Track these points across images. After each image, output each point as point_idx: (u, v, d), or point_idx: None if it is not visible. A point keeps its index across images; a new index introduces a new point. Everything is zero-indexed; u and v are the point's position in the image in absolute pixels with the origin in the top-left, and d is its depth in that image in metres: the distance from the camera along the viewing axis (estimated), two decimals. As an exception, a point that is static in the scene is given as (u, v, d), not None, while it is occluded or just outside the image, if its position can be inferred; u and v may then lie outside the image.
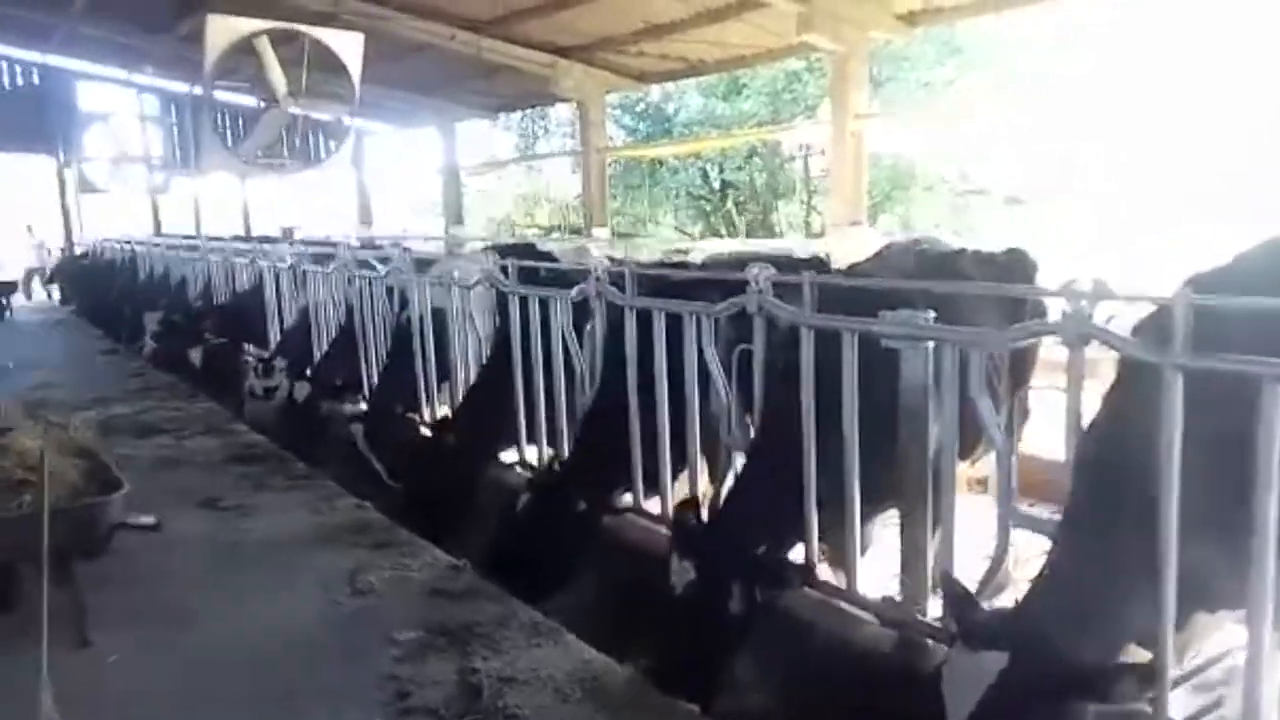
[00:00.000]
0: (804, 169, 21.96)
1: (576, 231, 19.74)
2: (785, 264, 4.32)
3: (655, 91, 21.27)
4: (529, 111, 23.57)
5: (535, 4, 12.67)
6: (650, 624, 3.42)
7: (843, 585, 3.45)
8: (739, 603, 3.16)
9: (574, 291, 4.61)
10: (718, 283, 4.13)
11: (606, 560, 4.10)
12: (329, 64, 12.96)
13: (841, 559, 3.48)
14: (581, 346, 4.73)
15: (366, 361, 6.76)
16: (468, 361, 5.74)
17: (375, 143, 23.06)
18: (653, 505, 4.31)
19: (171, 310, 10.47)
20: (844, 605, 3.38)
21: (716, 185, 23.28)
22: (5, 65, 21.56)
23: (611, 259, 6.56)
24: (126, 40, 18.01)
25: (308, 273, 7.74)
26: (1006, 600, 2.81)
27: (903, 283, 3.68)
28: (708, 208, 23.70)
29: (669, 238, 22.17)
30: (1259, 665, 2.27)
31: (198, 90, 16.18)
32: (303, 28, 12.55)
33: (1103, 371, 2.78)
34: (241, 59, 13.10)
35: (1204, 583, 2.39)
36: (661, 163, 22.72)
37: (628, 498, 4.38)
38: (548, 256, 6.53)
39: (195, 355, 8.89)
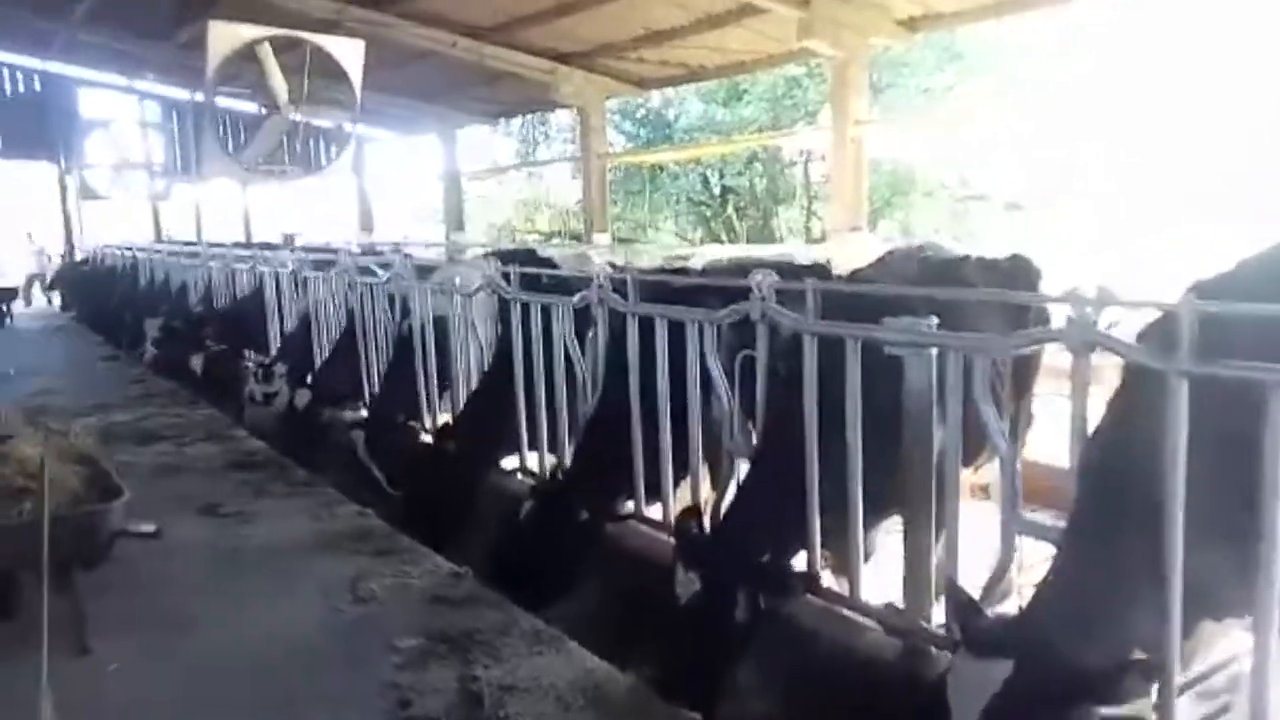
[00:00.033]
0: (804, 175, 22.01)
1: (577, 237, 19.78)
2: (787, 270, 4.31)
3: (656, 97, 21.34)
4: (530, 117, 23.64)
5: (536, 11, 12.71)
6: (653, 632, 3.41)
7: (846, 592, 3.44)
8: (743, 612, 3.15)
9: (576, 298, 4.60)
10: (719, 289, 4.12)
11: (608, 568, 4.09)
12: (330, 71, 12.99)
13: (845, 566, 3.47)
14: (583, 353, 4.72)
15: (367, 368, 6.75)
16: (469, 368, 5.74)
17: (376, 149, 23.10)
18: (654, 511, 4.30)
19: (172, 317, 10.46)
20: (847, 612, 3.37)
21: (717, 191, 23.31)
22: (7, 72, 21.60)
23: (612, 265, 6.56)
24: (128, 47, 18.05)
25: (309, 279, 7.73)
26: (1011, 607, 2.80)
27: (906, 289, 3.67)
28: (708, 213, 23.73)
29: (669, 243, 22.20)
30: (1265, 673, 2.26)
31: (199, 97, 16.23)
32: (304, 35, 12.57)
33: (1105, 377, 2.77)
34: (243, 66, 13.11)
35: (1210, 590, 2.38)
36: (662, 168, 22.76)
37: (630, 505, 4.36)
38: (548, 263, 6.53)
39: (196, 362, 8.87)
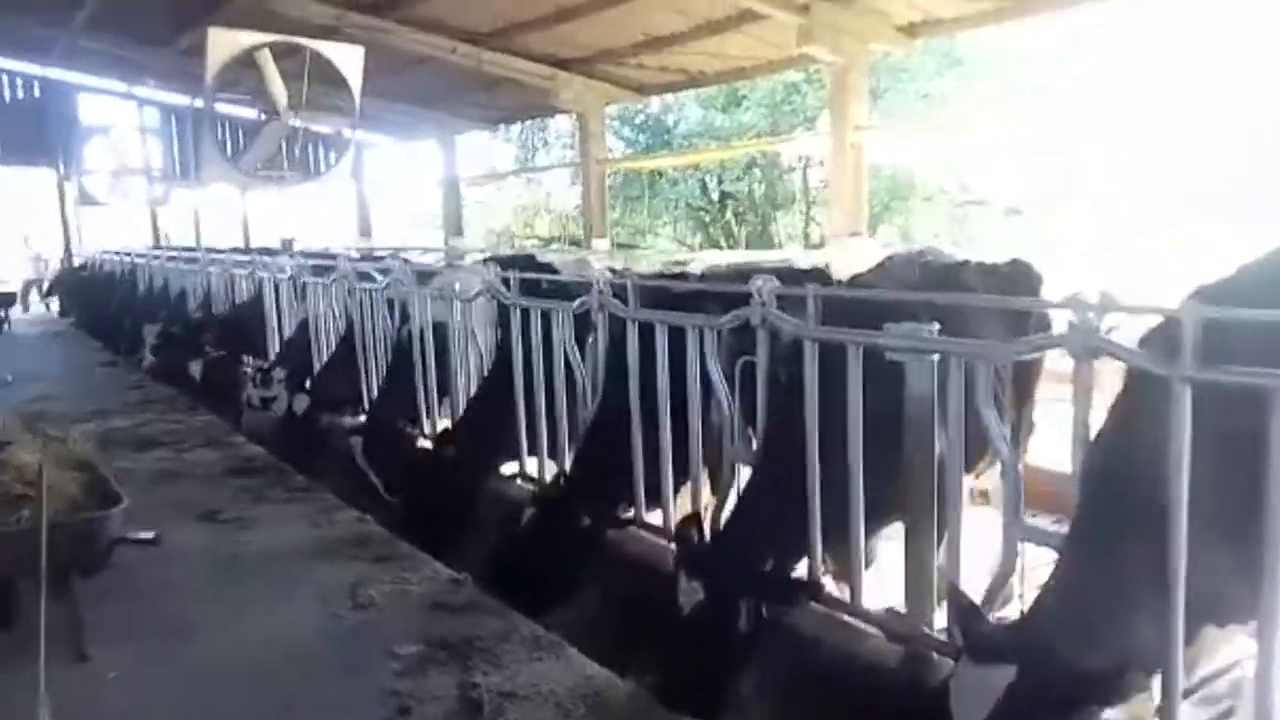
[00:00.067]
0: (803, 180, 22.02)
1: (576, 243, 19.79)
2: (787, 275, 4.31)
3: (655, 103, 21.37)
4: (529, 123, 23.64)
5: (536, 17, 12.71)
6: (653, 639, 3.40)
7: (847, 598, 3.43)
8: (746, 621, 3.14)
9: (576, 304, 4.60)
10: (719, 294, 4.12)
11: (608, 574, 4.08)
12: (330, 77, 12.99)
13: (846, 572, 3.46)
14: (583, 359, 4.71)
15: (366, 373, 6.74)
16: (468, 374, 5.73)
17: (375, 155, 23.11)
18: (654, 517, 4.29)
19: (171, 322, 10.45)
20: (848, 619, 3.36)
21: (716, 196, 23.34)
22: (6, 78, 21.58)
23: (612, 270, 6.56)
24: (127, 53, 18.05)
25: (307, 284, 7.73)
26: (1013, 613, 2.79)
27: (907, 294, 3.67)
28: (707, 219, 23.75)
29: (668, 249, 22.21)
30: (1270, 679, 2.25)
31: (198, 103, 16.21)
32: (304, 41, 12.58)
33: (1105, 382, 2.76)
34: (242, 72, 13.13)
35: (1214, 595, 2.37)
36: (661, 174, 22.78)
37: (630, 510, 4.35)
38: (548, 268, 6.52)
39: (195, 368, 8.86)
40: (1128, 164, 16.26)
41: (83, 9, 14.67)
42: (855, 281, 4.36)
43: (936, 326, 3.11)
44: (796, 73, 17.91)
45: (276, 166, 15.12)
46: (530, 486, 4.95)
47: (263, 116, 13.86)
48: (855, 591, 3.39)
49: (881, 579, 3.48)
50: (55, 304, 18.88)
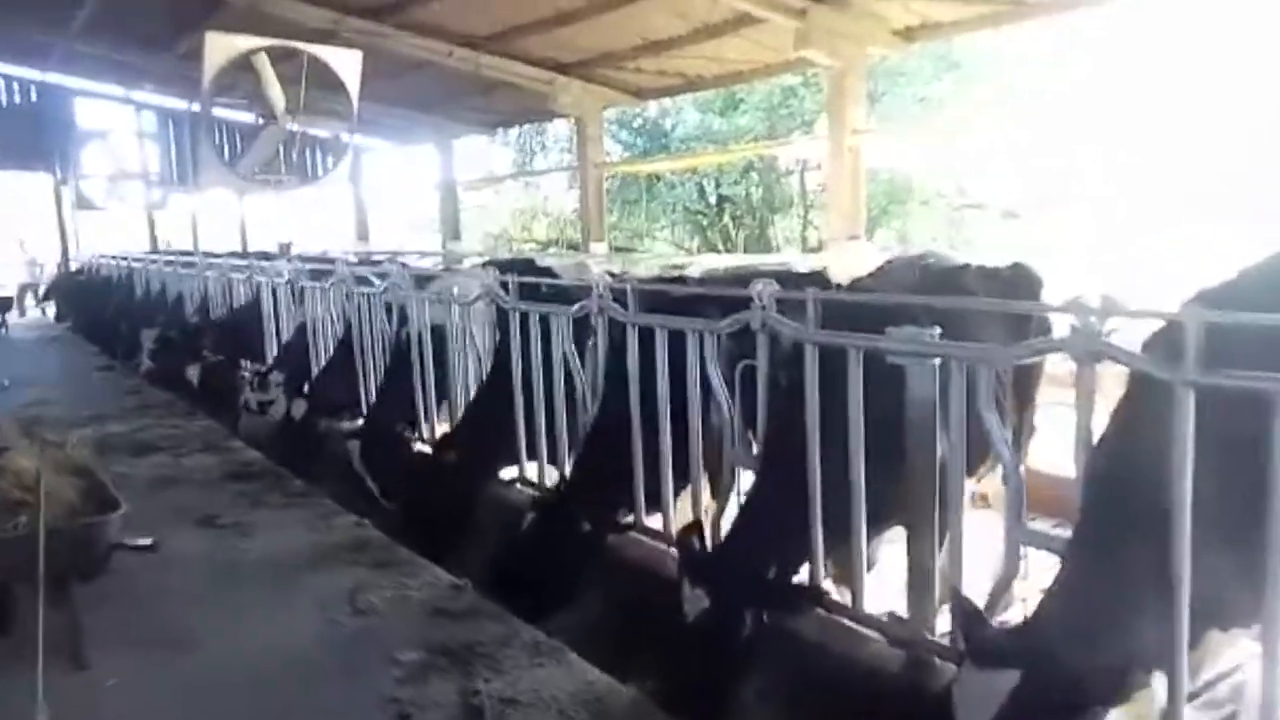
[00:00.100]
0: (801, 184, 22.03)
1: (574, 246, 19.79)
2: (787, 279, 4.30)
3: (653, 107, 21.37)
4: (527, 127, 23.64)
5: (534, 21, 12.72)
6: (655, 644, 3.39)
7: (849, 603, 3.42)
8: (749, 627, 3.13)
9: (575, 308, 4.59)
10: (719, 298, 4.11)
11: (609, 579, 4.07)
12: (327, 81, 12.96)
13: (848, 576, 3.45)
14: (583, 363, 4.71)
15: (364, 378, 6.73)
16: (467, 378, 5.71)
17: (373, 159, 23.09)
18: (654, 521, 4.28)
19: (168, 327, 10.43)
20: (850, 624, 3.35)
21: (713, 200, 23.35)
22: (3, 83, 21.56)
23: (611, 274, 6.55)
24: (125, 58, 18.04)
25: (305, 288, 7.72)
26: (1015, 617, 2.78)
27: (908, 298, 3.66)
28: (705, 223, 23.77)
29: (666, 253, 22.22)
30: (1274, 682, 2.25)
31: (196, 107, 16.18)
32: (301, 45, 12.55)
33: (1106, 386, 2.76)
34: (240, 76, 13.10)
35: (1217, 599, 2.37)
36: (659, 178, 22.79)
37: (630, 515, 4.34)
38: (547, 272, 6.51)
39: (192, 372, 8.84)
40: (1126, 166, 16.28)
41: (82, 14, 14.67)
42: (855, 285, 4.36)
43: (938, 330, 3.11)
44: (794, 76, 17.91)
45: (274, 171, 15.09)
46: (530, 491, 4.94)
47: (260, 121, 13.81)
48: (857, 596, 3.39)
49: (883, 583, 3.48)
50: (52, 309, 18.85)
